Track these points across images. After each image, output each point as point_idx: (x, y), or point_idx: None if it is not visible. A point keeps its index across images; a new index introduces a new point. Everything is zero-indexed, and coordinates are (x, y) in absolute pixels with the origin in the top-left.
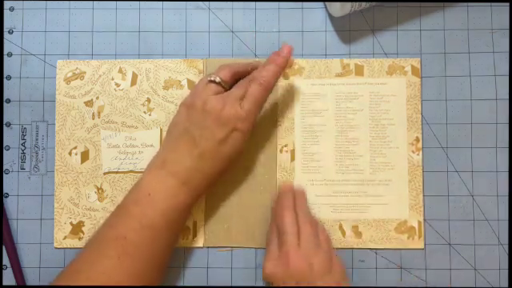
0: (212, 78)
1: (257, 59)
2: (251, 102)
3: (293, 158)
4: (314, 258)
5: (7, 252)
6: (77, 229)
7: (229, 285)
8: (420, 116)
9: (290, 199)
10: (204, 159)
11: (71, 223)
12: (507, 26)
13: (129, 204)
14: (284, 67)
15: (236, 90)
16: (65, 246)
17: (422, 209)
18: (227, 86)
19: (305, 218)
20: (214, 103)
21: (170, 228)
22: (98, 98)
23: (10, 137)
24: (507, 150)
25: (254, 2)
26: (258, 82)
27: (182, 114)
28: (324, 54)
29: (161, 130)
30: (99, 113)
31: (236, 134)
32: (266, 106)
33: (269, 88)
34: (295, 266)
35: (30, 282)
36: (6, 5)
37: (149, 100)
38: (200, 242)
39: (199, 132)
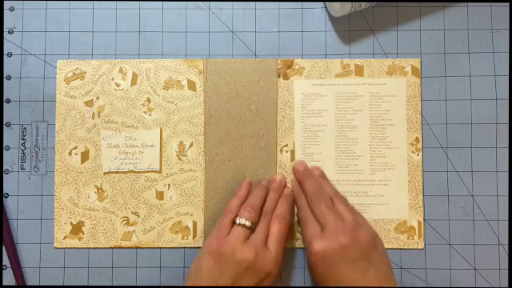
0: (242, 223)
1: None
2: (277, 242)
3: (293, 158)
4: (359, 232)
5: (7, 252)
6: (77, 229)
7: None
8: (420, 116)
9: (319, 181)
10: None
11: (71, 223)
12: (507, 26)
13: None
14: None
15: (260, 235)
16: (65, 246)
17: (421, 209)
18: (256, 226)
19: (336, 196)
20: (246, 253)
21: None
22: (98, 98)
23: (10, 137)
24: (507, 149)
25: (253, 2)
26: (275, 220)
27: (209, 262)
28: (324, 54)
29: (161, 130)
30: (99, 113)
31: (268, 279)
32: (266, 106)
33: (286, 222)
34: (345, 240)
35: (29, 282)
36: (6, 5)
37: (149, 100)
38: (200, 241)
39: (230, 282)
